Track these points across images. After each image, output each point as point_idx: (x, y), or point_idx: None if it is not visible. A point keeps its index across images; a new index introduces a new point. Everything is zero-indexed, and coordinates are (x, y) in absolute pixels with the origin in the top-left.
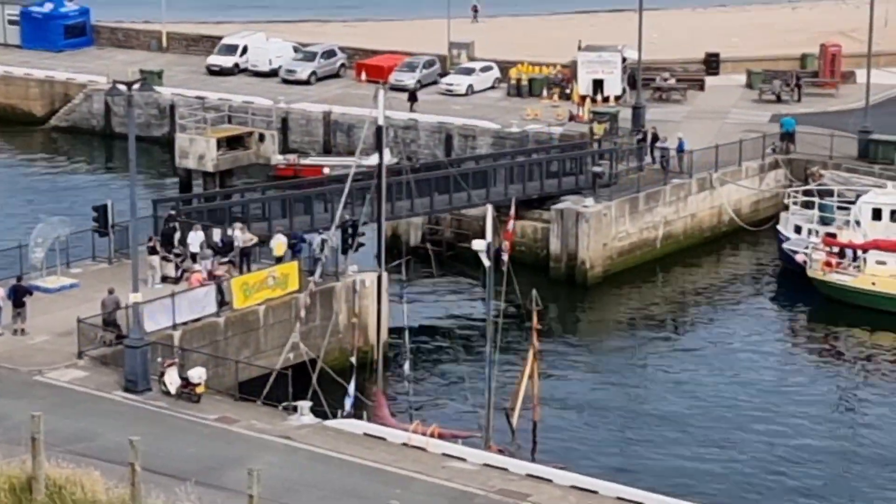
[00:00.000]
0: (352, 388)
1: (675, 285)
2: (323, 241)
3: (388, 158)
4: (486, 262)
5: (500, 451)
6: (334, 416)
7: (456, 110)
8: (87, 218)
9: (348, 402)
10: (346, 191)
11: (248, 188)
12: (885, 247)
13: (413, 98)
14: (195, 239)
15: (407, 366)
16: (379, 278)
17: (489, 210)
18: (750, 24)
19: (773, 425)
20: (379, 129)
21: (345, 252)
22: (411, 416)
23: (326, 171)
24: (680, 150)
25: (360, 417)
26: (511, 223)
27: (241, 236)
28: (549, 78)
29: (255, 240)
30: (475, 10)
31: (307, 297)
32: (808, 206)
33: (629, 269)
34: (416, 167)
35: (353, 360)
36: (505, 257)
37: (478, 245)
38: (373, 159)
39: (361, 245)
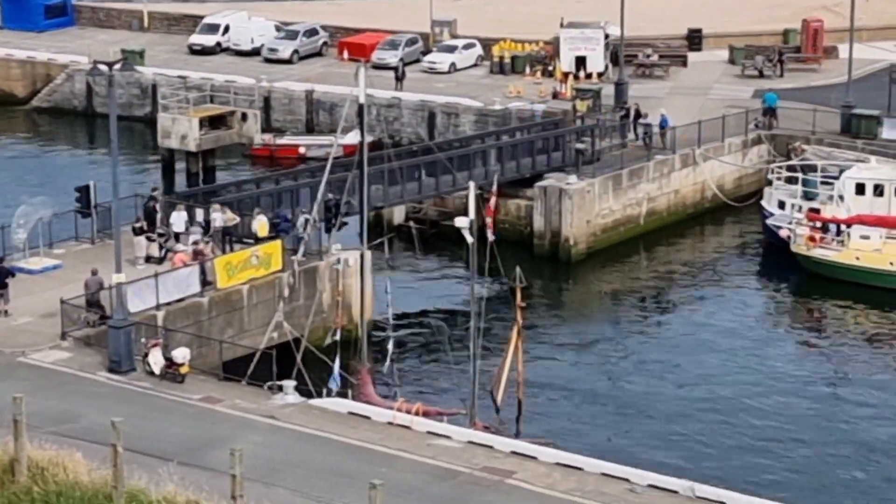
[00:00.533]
0: (337, 366)
1: (659, 262)
2: (306, 221)
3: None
4: (470, 240)
5: (486, 429)
6: (319, 395)
7: (439, 88)
8: (70, 198)
9: (333, 383)
10: (328, 170)
11: (265, 177)
12: (868, 222)
13: (402, 76)
14: (179, 219)
15: (391, 344)
16: (362, 256)
17: (472, 187)
18: None
19: (757, 401)
20: (361, 108)
21: (328, 231)
22: (396, 395)
23: (302, 150)
24: (663, 126)
25: (345, 396)
26: (493, 200)
27: (222, 216)
28: (531, 55)
29: (237, 220)
30: None
31: (291, 276)
32: (791, 181)
33: (613, 246)
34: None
35: (338, 338)
36: (490, 234)
37: (461, 222)
38: (349, 138)
39: (345, 224)
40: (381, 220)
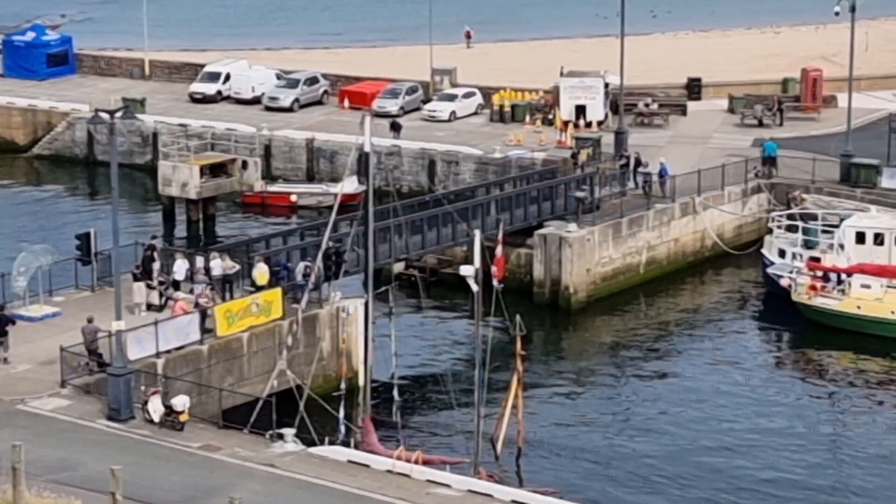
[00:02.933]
0: (341, 415)
1: (659, 310)
2: (306, 268)
3: (356, 185)
4: (474, 288)
5: (490, 477)
6: (321, 443)
7: (439, 136)
8: (70, 246)
9: (341, 430)
10: (332, 219)
11: (310, 226)
12: (869, 271)
13: (396, 128)
14: (180, 267)
15: (395, 392)
16: (366, 305)
17: (477, 235)
18: (731, 48)
19: (758, 450)
20: (366, 156)
21: (328, 279)
22: (399, 443)
23: (294, 198)
24: (662, 174)
25: (347, 444)
26: (500, 248)
27: (222, 264)
28: (531, 104)
29: (237, 267)
30: (468, 35)
31: (294, 325)
32: (791, 229)
33: (613, 295)
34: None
35: (343, 387)
36: (496, 283)
37: (465, 270)
38: (339, 186)
39: (347, 273)
40: (381, 268)
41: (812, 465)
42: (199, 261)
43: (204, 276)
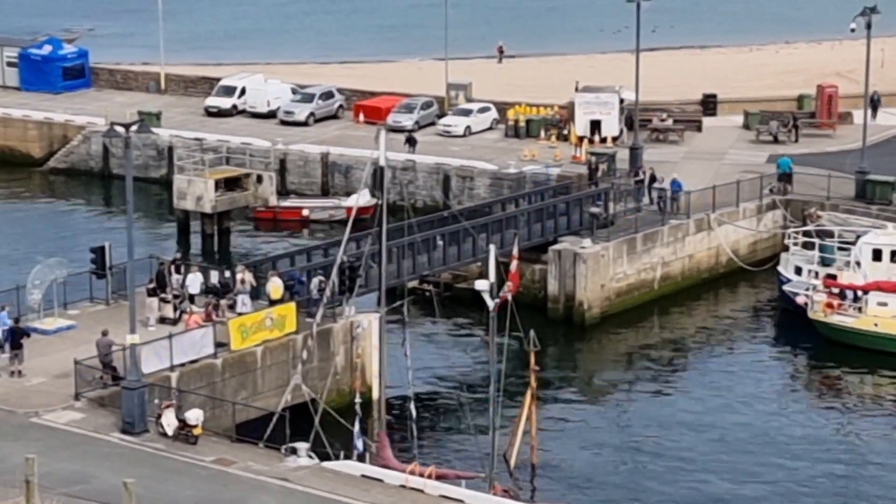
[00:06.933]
0: (357, 429)
1: (674, 326)
2: (320, 282)
3: (368, 199)
4: (490, 303)
5: (506, 493)
6: (336, 458)
7: (454, 151)
8: (85, 259)
9: (359, 443)
10: (347, 233)
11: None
12: (886, 288)
13: (412, 142)
14: (194, 281)
15: (412, 406)
16: (380, 319)
17: (491, 251)
18: (746, 64)
19: (774, 467)
20: (381, 171)
21: (342, 294)
22: (415, 458)
23: (305, 212)
24: (675, 190)
25: (362, 459)
26: (514, 263)
27: (239, 277)
28: (546, 119)
29: (252, 282)
30: (501, 50)
31: (309, 339)
32: (808, 246)
33: (627, 310)
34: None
35: (358, 401)
36: (509, 297)
37: (481, 285)
38: (350, 200)
39: (362, 287)
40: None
41: (829, 486)
42: (214, 274)
43: (248, 288)
